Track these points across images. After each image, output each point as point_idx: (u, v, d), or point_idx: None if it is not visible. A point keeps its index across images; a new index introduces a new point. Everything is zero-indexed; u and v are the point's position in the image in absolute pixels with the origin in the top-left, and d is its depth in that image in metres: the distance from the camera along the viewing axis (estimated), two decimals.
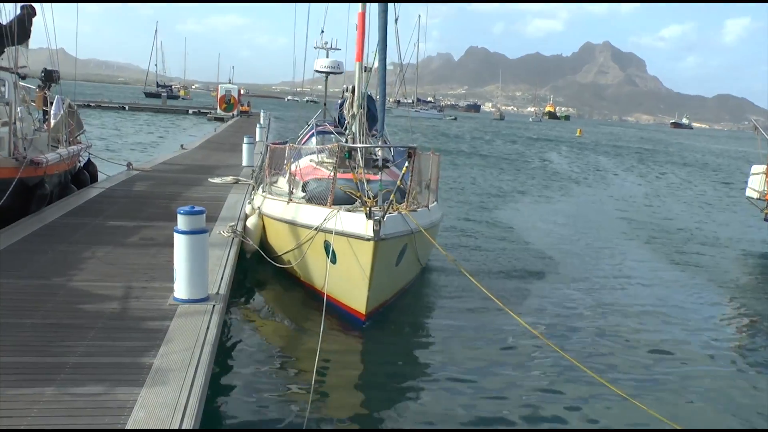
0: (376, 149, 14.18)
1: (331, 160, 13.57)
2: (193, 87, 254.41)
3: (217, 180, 20.74)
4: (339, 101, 18.54)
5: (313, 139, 17.38)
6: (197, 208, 8.89)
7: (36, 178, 13.97)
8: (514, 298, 13.43)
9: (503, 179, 37.65)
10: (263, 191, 14.51)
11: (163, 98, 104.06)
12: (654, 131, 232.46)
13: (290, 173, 13.59)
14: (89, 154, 20.71)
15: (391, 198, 10.68)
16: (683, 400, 9.41)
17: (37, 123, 17.04)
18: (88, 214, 14.46)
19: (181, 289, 8.85)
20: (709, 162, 71.43)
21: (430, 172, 13.84)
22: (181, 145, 31.91)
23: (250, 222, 13.79)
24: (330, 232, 10.61)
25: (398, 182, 11.18)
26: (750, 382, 10.32)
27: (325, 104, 20.67)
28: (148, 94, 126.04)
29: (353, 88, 15.52)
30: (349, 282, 10.68)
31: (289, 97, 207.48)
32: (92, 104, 79.42)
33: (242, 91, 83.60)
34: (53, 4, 16.69)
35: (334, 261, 10.78)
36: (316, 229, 11.02)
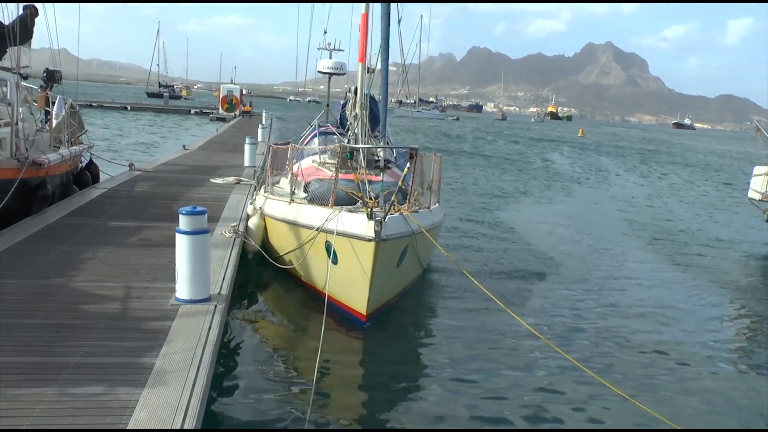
0: (378, 150, 14.18)
1: (333, 161, 13.58)
2: (196, 87, 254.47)
3: (219, 180, 20.76)
4: (341, 102, 18.55)
5: (316, 140, 17.39)
6: (199, 209, 8.90)
7: (38, 179, 13.98)
8: (515, 299, 13.44)
9: (505, 179, 37.66)
10: (265, 191, 14.52)
11: (165, 98, 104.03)
12: (656, 132, 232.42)
13: (292, 174, 13.60)
14: (91, 154, 20.71)
15: (392, 199, 10.68)
16: (684, 401, 9.40)
17: (39, 123, 17.04)
18: (90, 214, 14.48)
19: (182, 289, 8.86)
20: (711, 163, 71.40)
21: (432, 173, 13.85)
22: (183, 146, 31.93)
23: (252, 222, 13.79)
24: (331, 232, 10.62)
25: (400, 183, 11.19)
26: (750, 384, 10.33)
27: (327, 105, 20.68)
28: (151, 94, 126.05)
29: (356, 89, 15.53)
30: (350, 283, 10.69)
31: (291, 98, 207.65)
32: (94, 104, 79.47)
33: (244, 91, 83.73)
34: (55, 4, 16.71)
35: (335, 261, 10.78)
36: (317, 229, 11.03)
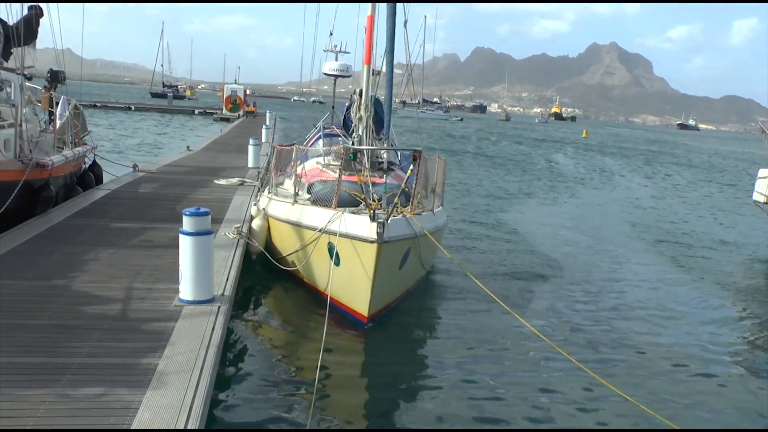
0: (382, 152, 14.19)
1: (337, 163, 13.60)
2: (199, 87, 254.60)
3: (222, 181, 20.77)
4: (346, 104, 18.57)
5: (320, 142, 17.40)
6: (203, 210, 8.92)
7: (41, 180, 13.98)
8: (518, 301, 13.45)
9: (509, 180, 37.65)
10: (269, 193, 14.54)
11: (169, 98, 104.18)
12: (660, 132, 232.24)
13: (296, 175, 13.61)
14: (95, 155, 20.73)
15: (395, 201, 10.69)
16: (685, 402, 9.40)
17: (43, 124, 17.08)
18: (93, 215, 14.50)
19: (186, 290, 8.88)
20: (715, 164, 71.32)
21: (436, 176, 13.85)
22: (187, 147, 31.96)
23: (256, 223, 13.81)
24: (334, 234, 10.63)
25: (403, 185, 11.20)
26: (751, 385, 10.33)
27: (333, 107, 20.70)
28: (154, 95, 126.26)
29: (361, 91, 15.53)
30: (352, 284, 10.70)
31: (295, 98, 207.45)
32: (98, 104, 79.69)
33: (248, 92, 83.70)
34: (59, 4, 16.74)
35: (337, 263, 10.80)
36: (320, 230, 11.05)
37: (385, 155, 13.95)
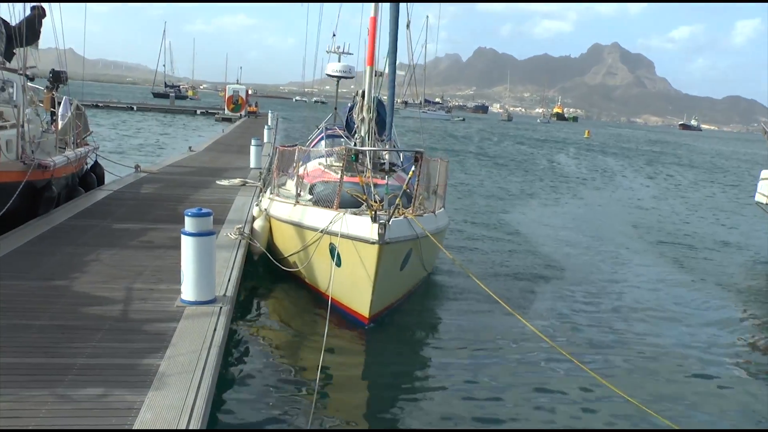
0: (384, 153, 14.21)
1: (339, 164, 13.61)
2: (202, 87, 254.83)
3: (224, 182, 20.77)
4: (349, 105, 18.56)
5: (323, 143, 17.40)
6: (204, 210, 8.93)
7: (43, 181, 14.00)
8: (520, 301, 13.46)
9: (511, 181, 37.66)
10: (271, 193, 14.55)
11: (171, 98, 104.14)
12: (662, 133, 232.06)
13: (298, 176, 13.62)
14: (96, 155, 20.75)
15: (396, 202, 10.70)
16: (685, 402, 9.43)
17: (45, 125, 17.08)
18: (95, 216, 14.52)
19: (188, 291, 8.90)
20: (717, 164, 71.27)
21: (438, 177, 13.85)
22: (189, 147, 31.98)
23: (257, 224, 13.83)
24: (335, 234, 10.64)
25: (404, 186, 11.20)
26: (752, 386, 10.35)
27: (336, 108, 20.71)
28: (157, 95, 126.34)
29: (363, 92, 15.53)
30: (353, 285, 10.71)
31: (297, 98, 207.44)
32: (100, 104, 79.72)
33: (250, 92, 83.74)
34: (62, 4, 16.75)
35: (338, 264, 10.81)
36: (321, 231, 11.06)
37: (387, 156, 13.96)
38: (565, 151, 72.64)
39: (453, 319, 12.33)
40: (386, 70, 15.33)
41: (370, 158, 13.56)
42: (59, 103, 18.34)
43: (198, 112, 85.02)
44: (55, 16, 16.50)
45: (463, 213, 24.06)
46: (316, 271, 11.90)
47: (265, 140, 34.70)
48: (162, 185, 19.55)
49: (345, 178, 11.72)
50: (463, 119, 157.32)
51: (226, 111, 71.19)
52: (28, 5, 16.54)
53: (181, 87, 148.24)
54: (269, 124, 44.80)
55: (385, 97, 15.23)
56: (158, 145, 42.49)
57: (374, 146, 14.98)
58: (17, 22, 15.92)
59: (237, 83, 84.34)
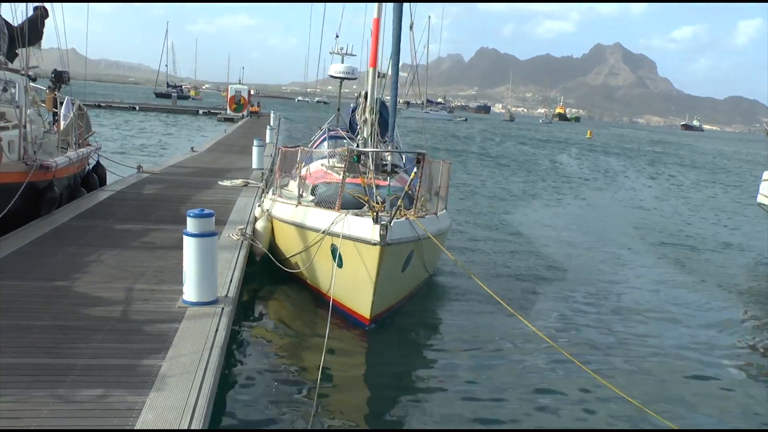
0: (386, 155, 14.20)
1: (341, 165, 13.62)
2: (204, 87, 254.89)
3: (226, 183, 20.78)
4: (352, 106, 18.56)
5: (325, 144, 17.40)
6: (207, 211, 8.94)
7: (45, 182, 14.00)
8: (522, 302, 13.47)
9: (513, 181, 37.66)
10: (273, 194, 14.56)
11: (173, 99, 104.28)
12: (664, 133, 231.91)
13: (300, 177, 13.63)
14: (99, 155, 20.76)
15: (398, 203, 10.71)
16: (686, 403, 9.44)
17: (47, 125, 17.10)
18: (97, 216, 14.53)
19: (190, 291, 8.91)
20: (719, 165, 71.20)
21: (440, 179, 13.85)
22: (192, 148, 32.00)
23: (260, 225, 13.83)
24: (337, 235, 10.65)
25: (406, 188, 11.20)
26: (752, 387, 10.36)
27: (338, 109, 20.73)
28: (159, 95, 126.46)
29: (366, 93, 15.53)
30: (354, 286, 10.72)
31: (300, 98, 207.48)
32: (103, 104, 79.81)
33: (252, 92, 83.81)
34: (64, 4, 16.77)
35: (340, 265, 10.82)
36: (323, 232, 11.07)
37: (389, 158, 13.96)
38: (567, 151, 72.61)
39: (454, 320, 12.34)
40: (389, 72, 15.34)
41: (372, 159, 13.56)
42: (61, 103, 18.35)
43: (200, 112, 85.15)
44: (57, 16, 16.54)
45: (465, 213, 24.06)
46: (318, 272, 11.91)
47: (267, 140, 34.70)
48: (164, 186, 19.56)
49: (347, 180, 11.73)
50: (466, 119, 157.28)
51: (229, 111, 71.30)
52: (31, 5, 16.58)
53: (183, 87, 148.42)
54: (271, 124, 44.82)
55: (388, 98, 15.23)
56: (161, 146, 42.51)
57: (376, 147, 14.99)
58: (20, 22, 15.94)
59: (239, 83, 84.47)
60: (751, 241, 23.62)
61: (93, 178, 19.22)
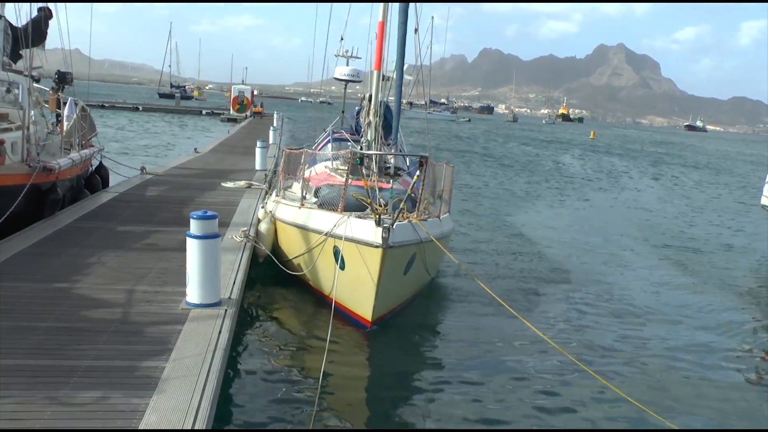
0: (389, 157, 14.20)
1: (345, 167, 13.63)
2: (207, 88, 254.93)
3: (229, 184, 20.78)
4: (356, 108, 18.55)
5: (329, 146, 17.41)
6: (210, 213, 8.96)
7: (48, 183, 13.98)
8: (524, 304, 13.49)
9: (516, 182, 37.64)
10: (276, 196, 14.57)
11: (176, 99, 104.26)
12: (668, 134, 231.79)
13: (303, 179, 13.64)
14: (102, 156, 20.77)
15: (401, 206, 10.72)
16: (687, 404, 9.48)
17: (50, 126, 17.12)
18: (100, 218, 14.55)
19: (193, 293, 8.93)
20: (723, 165, 71.13)
21: (444, 182, 13.85)
22: (195, 149, 32.02)
23: (263, 227, 13.83)
24: (339, 238, 10.67)
25: (409, 190, 11.22)
26: (752, 388, 10.41)
27: (343, 112, 20.74)
28: (162, 95, 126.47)
29: (370, 96, 15.53)
30: (356, 288, 10.74)
31: (303, 98, 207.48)
32: (106, 105, 79.82)
33: (255, 92, 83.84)
34: (68, 4, 16.79)
35: (342, 267, 10.83)
36: (325, 234, 11.08)
37: (392, 160, 13.97)
38: (571, 152, 72.59)
39: (456, 322, 12.36)
40: (394, 75, 15.34)
41: (375, 162, 13.57)
42: (65, 104, 18.36)
43: (204, 112, 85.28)
44: (61, 17, 16.56)
45: (468, 215, 24.06)
46: (320, 274, 11.93)
47: (271, 141, 34.67)
48: (167, 187, 19.58)
49: (350, 182, 11.74)
50: (469, 120, 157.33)
51: (232, 111, 71.32)
52: (35, 6, 16.60)
53: (186, 87, 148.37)
54: (275, 125, 44.83)
55: (392, 99, 15.24)
56: (164, 146, 42.52)
57: (380, 150, 14.99)
58: (24, 23, 15.97)
59: (242, 83, 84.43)
60: (754, 243, 23.60)
61: (96, 179, 19.23)
